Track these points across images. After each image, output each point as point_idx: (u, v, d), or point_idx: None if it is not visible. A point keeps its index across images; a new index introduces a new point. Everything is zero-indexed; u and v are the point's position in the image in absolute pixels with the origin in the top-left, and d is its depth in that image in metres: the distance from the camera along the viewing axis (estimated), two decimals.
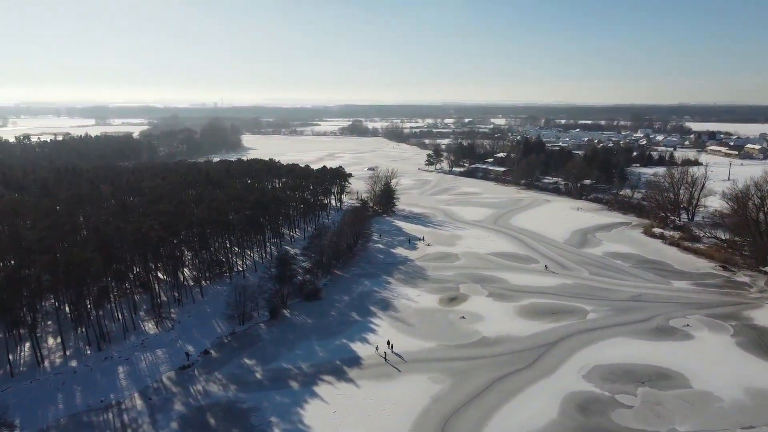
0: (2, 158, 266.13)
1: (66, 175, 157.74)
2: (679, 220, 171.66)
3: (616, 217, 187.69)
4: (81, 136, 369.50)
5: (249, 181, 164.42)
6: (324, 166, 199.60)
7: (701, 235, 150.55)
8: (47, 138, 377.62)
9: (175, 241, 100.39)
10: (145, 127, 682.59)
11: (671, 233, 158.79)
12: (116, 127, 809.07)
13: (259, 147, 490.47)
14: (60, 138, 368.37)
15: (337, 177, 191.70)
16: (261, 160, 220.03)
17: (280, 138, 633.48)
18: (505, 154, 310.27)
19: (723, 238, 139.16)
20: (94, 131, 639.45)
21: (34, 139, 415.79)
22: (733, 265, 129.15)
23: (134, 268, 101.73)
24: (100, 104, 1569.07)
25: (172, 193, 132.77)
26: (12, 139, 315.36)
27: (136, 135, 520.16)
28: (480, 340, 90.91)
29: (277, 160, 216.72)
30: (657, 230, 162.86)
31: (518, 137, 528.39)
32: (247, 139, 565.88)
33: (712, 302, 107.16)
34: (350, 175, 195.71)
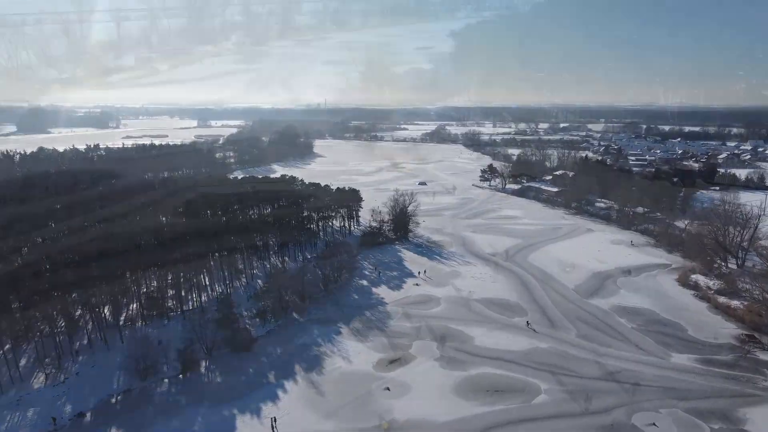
0: (52, 170, 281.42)
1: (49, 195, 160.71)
2: (726, 267, 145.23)
3: (659, 256, 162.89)
4: (146, 144, 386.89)
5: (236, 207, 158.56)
6: (337, 188, 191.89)
7: (741, 288, 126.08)
8: (130, 143, 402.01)
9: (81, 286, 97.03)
10: (234, 130, 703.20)
11: (710, 283, 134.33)
12: (214, 129, 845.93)
13: (328, 154, 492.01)
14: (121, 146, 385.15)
15: (350, 200, 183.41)
16: (267, 179, 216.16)
17: (356, 144, 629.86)
18: (561, 171, 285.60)
19: (760, 296, 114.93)
20: (191, 133, 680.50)
21: (146, 141, 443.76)
22: (764, 334, 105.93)
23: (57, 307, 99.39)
24: (214, 105, 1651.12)
25: (132, 223, 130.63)
26: (110, 144, 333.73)
27: (222, 139, 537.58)
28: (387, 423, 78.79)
29: (300, 178, 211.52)
30: (695, 278, 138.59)
31: (601, 148, 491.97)
32: (321, 145, 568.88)
33: (704, 390, 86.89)
34: (362, 199, 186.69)
